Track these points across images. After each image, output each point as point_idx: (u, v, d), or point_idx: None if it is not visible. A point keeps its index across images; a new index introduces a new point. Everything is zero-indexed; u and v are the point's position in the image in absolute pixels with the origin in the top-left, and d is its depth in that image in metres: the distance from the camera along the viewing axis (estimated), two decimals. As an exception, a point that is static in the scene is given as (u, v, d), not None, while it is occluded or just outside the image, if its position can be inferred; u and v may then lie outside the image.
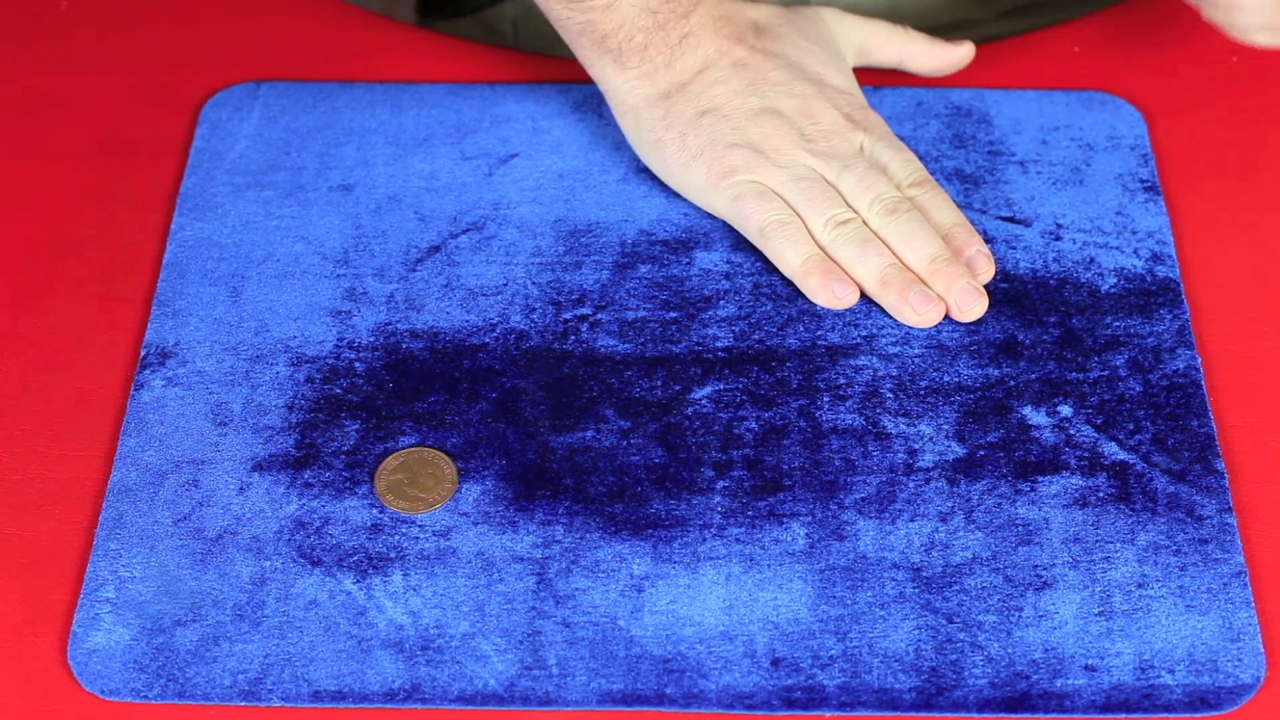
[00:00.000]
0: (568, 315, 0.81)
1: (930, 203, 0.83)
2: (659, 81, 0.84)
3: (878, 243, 0.81)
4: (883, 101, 0.90)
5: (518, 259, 0.84)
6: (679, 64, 0.84)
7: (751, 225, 0.82)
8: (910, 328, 0.80)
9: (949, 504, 0.74)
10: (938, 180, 0.86)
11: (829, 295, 0.81)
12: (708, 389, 0.78)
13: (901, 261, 0.81)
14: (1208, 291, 0.83)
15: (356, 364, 0.79)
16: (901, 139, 0.87)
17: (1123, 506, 0.74)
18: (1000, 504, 0.74)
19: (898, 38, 0.90)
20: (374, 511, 0.74)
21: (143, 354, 0.80)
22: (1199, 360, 0.79)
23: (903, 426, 0.77)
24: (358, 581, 0.72)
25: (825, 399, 0.78)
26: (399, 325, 0.81)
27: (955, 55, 0.90)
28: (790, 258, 0.82)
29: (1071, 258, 0.84)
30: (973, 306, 0.81)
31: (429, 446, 0.76)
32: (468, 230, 0.85)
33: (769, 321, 0.81)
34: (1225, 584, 0.72)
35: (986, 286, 0.82)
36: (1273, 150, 0.89)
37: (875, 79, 0.92)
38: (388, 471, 0.75)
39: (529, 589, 0.72)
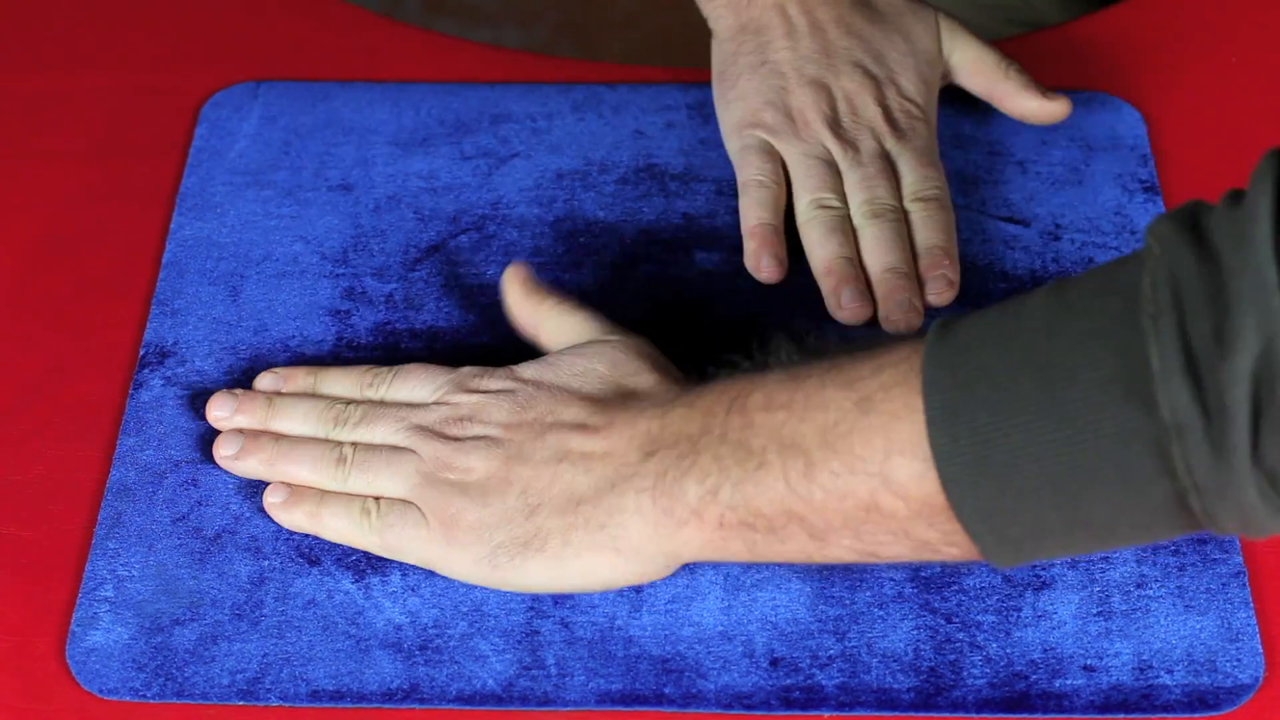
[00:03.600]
0: (567, 315, 0.81)
1: (925, 220, 0.82)
2: (741, 15, 0.86)
3: (844, 235, 0.81)
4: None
5: (517, 259, 0.84)
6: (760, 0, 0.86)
7: (740, 176, 0.84)
8: (910, 327, 0.80)
9: (948, 504, 0.74)
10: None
11: (755, 263, 0.82)
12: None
13: (861, 262, 0.81)
14: (1207, 292, 0.83)
15: (356, 364, 0.79)
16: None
17: (1122, 506, 0.74)
18: (999, 504, 0.74)
19: (996, 72, 0.87)
20: (373, 511, 0.75)
21: (142, 353, 0.80)
22: (1198, 360, 0.79)
23: (902, 426, 0.77)
24: (356, 581, 0.72)
25: (824, 399, 0.78)
26: (398, 325, 0.81)
27: (1048, 109, 0.87)
28: (748, 216, 0.83)
29: (1071, 258, 0.83)
30: (904, 320, 0.80)
31: None
32: (467, 230, 0.85)
33: (769, 321, 0.81)
34: (1224, 584, 0.72)
35: (986, 286, 0.82)
36: (1272, 150, 0.89)
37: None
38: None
39: (527, 589, 0.72)
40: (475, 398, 0.73)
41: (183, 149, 0.89)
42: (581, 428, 0.70)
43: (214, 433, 0.77)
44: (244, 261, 0.84)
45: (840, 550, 0.65)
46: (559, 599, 0.71)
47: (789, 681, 0.69)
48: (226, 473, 0.75)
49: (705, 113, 0.90)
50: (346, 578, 0.72)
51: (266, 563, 0.73)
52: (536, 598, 0.71)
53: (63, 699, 0.69)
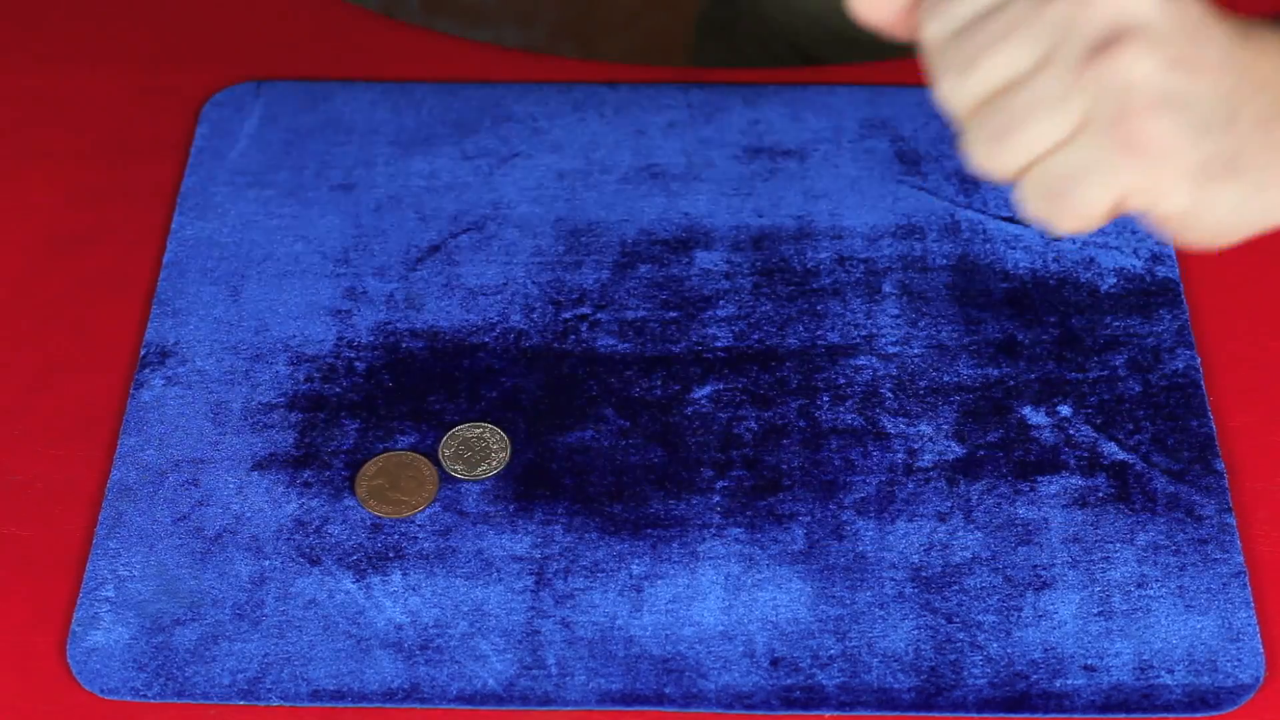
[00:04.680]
0: (568, 315, 0.81)
1: None
2: None
3: None
4: (883, 99, 0.90)
5: (518, 259, 0.84)
6: None
7: None
8: (910, 328, 0.80)
9: (948, 504, 0.74)
10: (936, 181, 0.86)
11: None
12: (707, 389, 0.79)
13: None
14: (1207, 291, 0.83)
15: (356, 363, 0.79)
16: (902, 138, 0.88)
17: (1122, 506, 0.74)
18: (1000, 504, 0.74)
19: None
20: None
21: (143, 353, 0.80)
22: (1199, 360, 0.79)
23: (902, 426, 0.77)
24: (357, 581, 0.72)
25: (825, 398, 0.78)
26: (399, 325, 0.81)
27: None
28: None
29: (1071, 258, 0.84)
30: None
31: (405, 450, 0.76)
32: (468, 230, 0.85)
33: (769, 321, 0.81)
34: (1225, 584, 0.72)
35: (987, 285, 0.82)
36: (1273, 150, 0.89)
37: (877, 76, 0.92)
38: (367, 477, 0.75)
39: (528, 589, 0.72)
40: None
41: (183, 149, 0.89)
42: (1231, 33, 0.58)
43: (215, 434, 0.77)
44: (245, 261, 0.84)
45: None
46: (559, 599, 0.71)
47: (790, 681, 0.69)
48: (227, 472, 0.75)
49: (706, 112, 0.90)
50: (347, 577, 0.72)
51: (267, 562, 0.73)
52: (536, 598, 0.71)
53: (63, 699, 0.69)
